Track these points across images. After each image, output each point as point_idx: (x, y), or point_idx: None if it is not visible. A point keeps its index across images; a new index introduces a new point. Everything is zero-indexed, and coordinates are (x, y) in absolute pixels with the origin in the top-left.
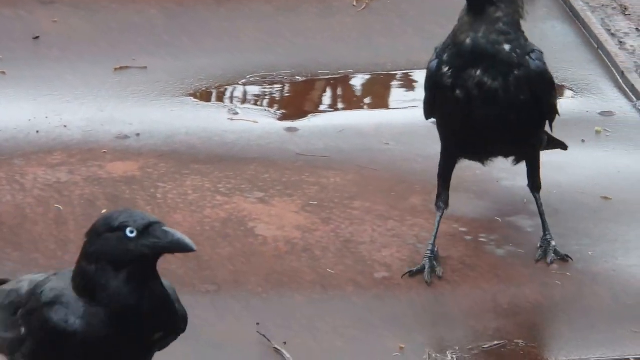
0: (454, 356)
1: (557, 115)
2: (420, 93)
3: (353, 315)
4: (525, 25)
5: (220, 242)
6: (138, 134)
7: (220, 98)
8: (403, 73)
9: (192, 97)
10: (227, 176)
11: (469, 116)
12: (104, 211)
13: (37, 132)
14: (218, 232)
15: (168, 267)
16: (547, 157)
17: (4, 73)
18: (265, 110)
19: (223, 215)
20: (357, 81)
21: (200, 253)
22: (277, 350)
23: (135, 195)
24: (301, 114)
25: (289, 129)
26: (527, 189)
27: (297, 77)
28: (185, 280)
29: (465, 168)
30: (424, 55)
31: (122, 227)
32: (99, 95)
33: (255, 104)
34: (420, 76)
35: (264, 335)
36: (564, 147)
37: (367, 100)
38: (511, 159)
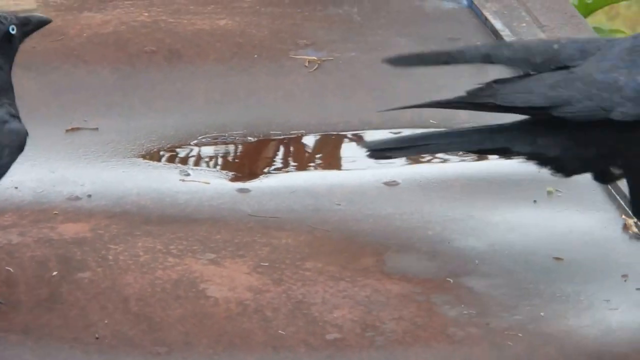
0: None
1: None
2: None
3: None
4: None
5: (171, 303)
6: (89, 195)
7: (171, 159)
8: (355, 133)
9: (143, 158)
10: (179, 237)
11: None
12: (54, 273)
13: None
14: (169, 293)
15: (119, 329)
16: (499, 218)
17: None
18: (217, 170)
19: (174, 276)
20: (309, 141)
21: (152, 315)
22: None
23: (86, 256)
24: (253, 174)
25: (241, 190)
26: (479, 250)
27: (249, 138)
28: (136, 341)
29: (416, 228)
30: (375, 115)
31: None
32: (51, 157)
33: (207, 165)
34: (372, 136)
35: None
36: None
37: (319, 161)
38: None
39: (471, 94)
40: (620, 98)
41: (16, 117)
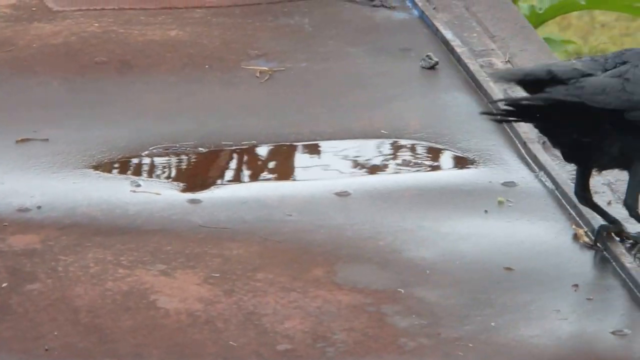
0: None
1: None
2: (324, 163)
3: None
4: (428, 96)
5: (122, 314)
6: (39, 207)
7: (122, 170)
8: (307, 144)
9: (94, 169)
10: (130, 248)
11: None
12: (4, 285)
13: None
14: (120, 304)
15: (69, 340)
16: (450, 229)
17: None
18: (168, 181)
19: (125, 287)
20: (261, 152)
21: (102, 326)
22: None
23: (36, 268)
24: (204, 185)
25: (192, 201)
26: (430, 260)
27: (201, 148)
28: (86, 353)
29: (367, 239)
30: (327, 126)
31: None
32: (0, 168)
33: (158, 176)
34: (324, 147)
35: None
36: None
37: (270, 172)
38: None
39: (555, 94)
40: None
41: None
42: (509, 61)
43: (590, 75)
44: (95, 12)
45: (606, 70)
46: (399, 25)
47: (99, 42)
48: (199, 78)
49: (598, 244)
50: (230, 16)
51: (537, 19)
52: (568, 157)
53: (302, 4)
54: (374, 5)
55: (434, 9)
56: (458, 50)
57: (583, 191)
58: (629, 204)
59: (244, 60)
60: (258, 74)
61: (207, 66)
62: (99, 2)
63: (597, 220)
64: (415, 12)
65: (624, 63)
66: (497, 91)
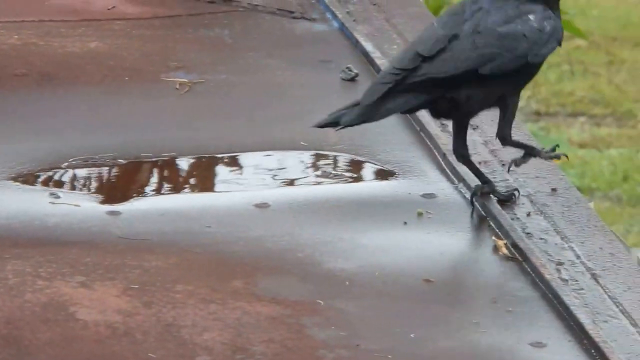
0: None
1: None
2: (244, 175)
3: None
4: None
5: (40, 326)
6: None
7: (42, 181)
8: (226, 155)
9: (13, 181)
10: (48, 260)
11: None
12: None
13: None
14: (38, 316)
15: None
16: (369, 240)
17: None
18: (88, 193)
19: (44, 299)
20: (181, 164)
21: (20, 338)
22: None
23: None
24: (124, 197)
25: (111, 212)
26: (349, 271)
27: (120, 160)
28: None
29: (287, 251)
30: (247, 137)
31: None
32: None
33: (78, 187)
34: (243, 159)
35: None
36: None
37: (190, 184)
38: None
39: (404, 75)
40: (526, 43)
41: None
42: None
43: (455, 36)
44: (14, 24)
45: (465, 21)
46: (319, 37)
47: (19, 54)
48: (118, 90)
49: (474, 202)
50: (150, 28)
51: None
52: (436, 113)
53: (222, 16)
54: (294, 17)
55: (354, 20)
56: (378, 62)
57: (461, 148)
58: (501, 136)
59: (163, 72)
60: (178, 86)
61: (126, 78)
62: (18, 14)
63: (517, 232)
64: (335, 24)
65: (480, 10)
66: None
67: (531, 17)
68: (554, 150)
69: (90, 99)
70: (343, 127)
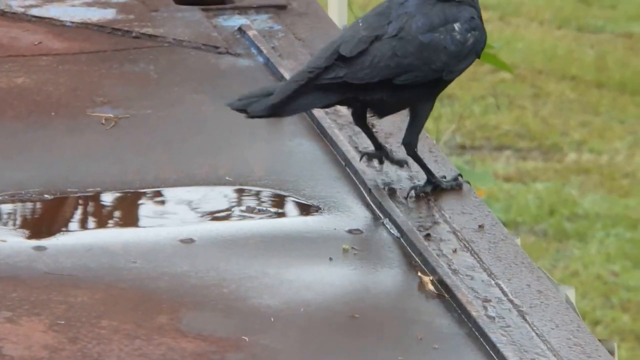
0: None
1: None
2: (169, 210)
3: None
4: (273, 143)
5: None
6: None
7: None
8: (152, 191)
9: None
10: None
11: None
12: None
13: None
14: None
15: None
16: (295, 276)
17: None
18: (14, 228)
19: None
20: (106, 199)
21: None
22: None
23: None
24: (50, 232)
25: (37, 248)
26: (274, 307)
27: (46, 195)
28: None
29: (212, 286)
30: (172, 172)
31: None
32: None
33: (4, 222)
34: (169, 194)
35: None
36: None
37: (115, 219)
38: None
39: (317, 74)
40: (445, 58)
41: None
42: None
43: (377, 37)
44: None
45: (390, 23)
46: (244, 71)
47: None
48: (44, 125)
49: (363, 160)
50: (77, 63)
51: None
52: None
53: (148, 51)
54: (219, 52)
55: (279, 55)
56: None
57: (361, 119)
58: (407, 143)
59: (89, 108)
60: (103, 121)
61: (53, 113)
62: None
63: (443, 269)
64: (261, 59)
65: (406, 13)
66: (342, 137)
67: (456, 26)
68: (455, 179)
69: (17, 134)
70: (252, 117)
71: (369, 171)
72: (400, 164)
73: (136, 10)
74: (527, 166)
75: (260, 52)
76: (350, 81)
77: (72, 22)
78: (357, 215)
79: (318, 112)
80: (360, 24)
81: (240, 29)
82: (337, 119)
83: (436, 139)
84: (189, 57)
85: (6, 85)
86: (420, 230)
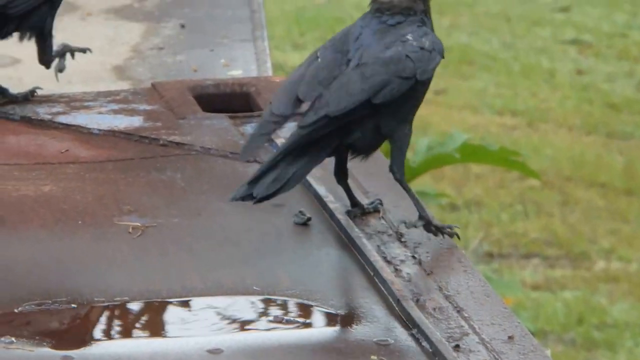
0: None
1: None
2: (196, 320)
3: None
4: (300, 252)
5: None
6: None
7: None
8: (178, 300)
9: None
10: None
11: None
12: None
13: None
14: None
15: None
16: None
17: None
18: (41, 338)
19: None
20: (133, 308)
21: None
22: None
23: None
24: (77, 342)
25: (65, 358)
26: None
27: (73, 305)
28: None
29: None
30: (199, 281)
31: None
32: None
33: (31, 332)
34: (196, 303)
35: None
36: None
37: (142, 328)
38: None
39: (303, 119)
40: (412, 63)
41: None
42: (382, 217)
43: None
44: None
45: (349, 61)
46: None
47: None
48: (71, 233)
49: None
50: (103, 171)
51: (411, 173)
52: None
53: (175, 159)
54: (247, 161)
55: None
56: (331, 206)
57: (341, 173)
58: (393, 170)
59: (116, 216)
60: (130, 230)
61: (79, 222)
62: None
63: None
64: None
65: (361, 46)
66: (370, 247)
67: (409, 37)
68: (450, 227)
69: (43, 242)
70: (260, 201)
71: (398, 281)
72: (376, 209)
73: (163, 118)
74: (555, 274)
75: None
76: (333, 114)
77: (99, 130)
78: (385, 325)
79: (346, 221)
80: (320, 62)
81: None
82: (365, 228)
83: (464, 248)
84: (216, 165)
85: (33, 193)
86: (449, 341)
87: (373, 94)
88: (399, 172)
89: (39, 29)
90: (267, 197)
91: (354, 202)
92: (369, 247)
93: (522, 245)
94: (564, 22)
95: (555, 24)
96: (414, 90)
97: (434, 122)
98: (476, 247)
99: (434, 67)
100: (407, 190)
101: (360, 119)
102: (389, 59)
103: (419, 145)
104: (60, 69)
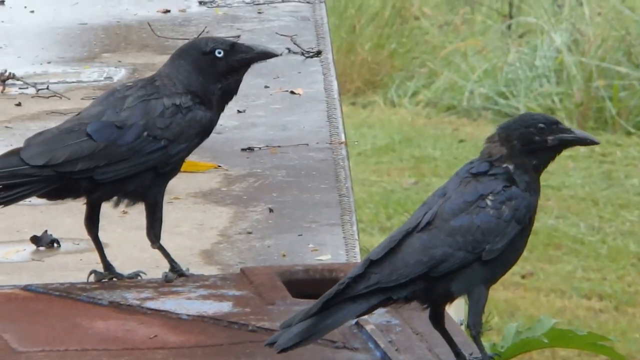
0: None
1: None
2: None
3: None
4: None
5: None
6: None
7: None
8: None
9: None
10: None
11: None
12: None
13: None
14: None
15: None
16: None
17: None
18: None
19: None
20: None
21: None
22: None
23: None
24: None
25: None
26: None
27: None
28: None
29: None
30: None
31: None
32: None
33: None
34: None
35: None
36: None
37: None
38: None
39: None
40: (481, 237)
41: None
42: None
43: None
44: (57, 353)
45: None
46: None
47: None
48: None
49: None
50: (193, 357)
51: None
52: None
53: (263, 344)
54: (337, 347)
55: (397, 350)
56: None
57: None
58: (469, 326)
59: None
60: None
61: None
62: (61, 342)
63: None
64: (378, 354)
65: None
66: None
67: (489, 201)
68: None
69: None
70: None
71: None
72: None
73: (252, 303)
74: None
75: (377, 346)
76: (385, 285)
77: (188, 315)
78: None
79: None
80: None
81: (357, 324)
82: None
83: None
84: (305, 351)
85: None
86: None
87: (430, 268)
88: (475, 329)
89: (141, 198)
90: (290, 348)
91: (456, 351)
92: None
93: None
94: None
95: None
96: (480, 262)
97: (521, 307)
98: None
99: (506, 244)
100: (479, 345)
101: (415, 282)
102: (457, 229)
103: (507, 330)
104: (169, 280)
